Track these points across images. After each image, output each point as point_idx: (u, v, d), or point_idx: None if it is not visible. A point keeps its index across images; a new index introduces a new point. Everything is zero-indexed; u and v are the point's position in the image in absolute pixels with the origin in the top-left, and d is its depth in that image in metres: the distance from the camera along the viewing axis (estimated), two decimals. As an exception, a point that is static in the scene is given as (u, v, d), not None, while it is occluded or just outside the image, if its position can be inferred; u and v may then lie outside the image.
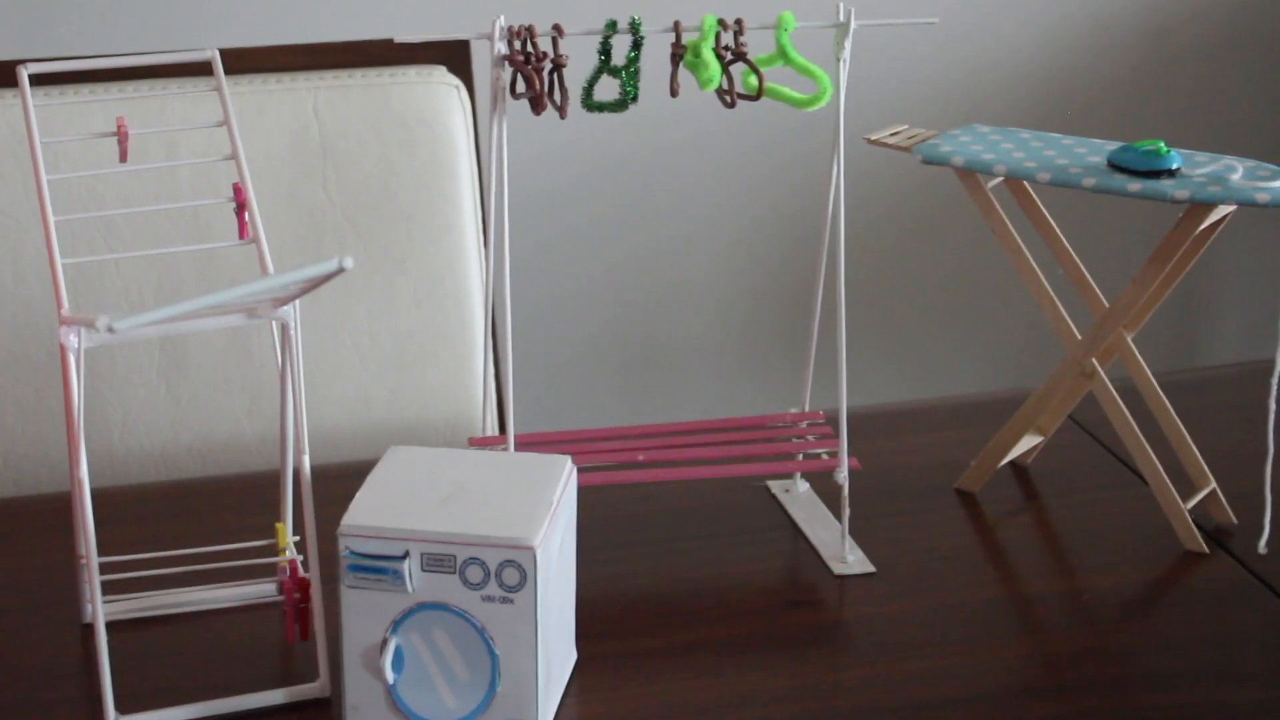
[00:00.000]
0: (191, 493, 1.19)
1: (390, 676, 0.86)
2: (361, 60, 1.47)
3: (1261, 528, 1.07)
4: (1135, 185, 1.01)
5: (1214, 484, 1.11)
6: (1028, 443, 1.17)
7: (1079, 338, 1.10)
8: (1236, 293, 2.25)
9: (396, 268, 1.43)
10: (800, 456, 1.10)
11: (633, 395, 2.11)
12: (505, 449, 1.05)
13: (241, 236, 0.94)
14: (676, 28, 0.99)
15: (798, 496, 1.14)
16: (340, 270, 0.79)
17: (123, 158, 0.96)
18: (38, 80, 0.95)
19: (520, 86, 0.98)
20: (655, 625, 1.00)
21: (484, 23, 0.97)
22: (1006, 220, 1.08)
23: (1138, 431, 1.08)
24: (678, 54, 0.99)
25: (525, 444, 1.06)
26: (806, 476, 1.15)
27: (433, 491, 0.87)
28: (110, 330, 0.76)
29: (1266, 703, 0.95)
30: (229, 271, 1.36)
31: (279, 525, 0.99)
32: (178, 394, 1.37)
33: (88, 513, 0.88)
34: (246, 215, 0.94)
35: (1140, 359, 1.10)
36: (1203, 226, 1.04)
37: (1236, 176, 1.01)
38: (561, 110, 0.98)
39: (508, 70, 0.98)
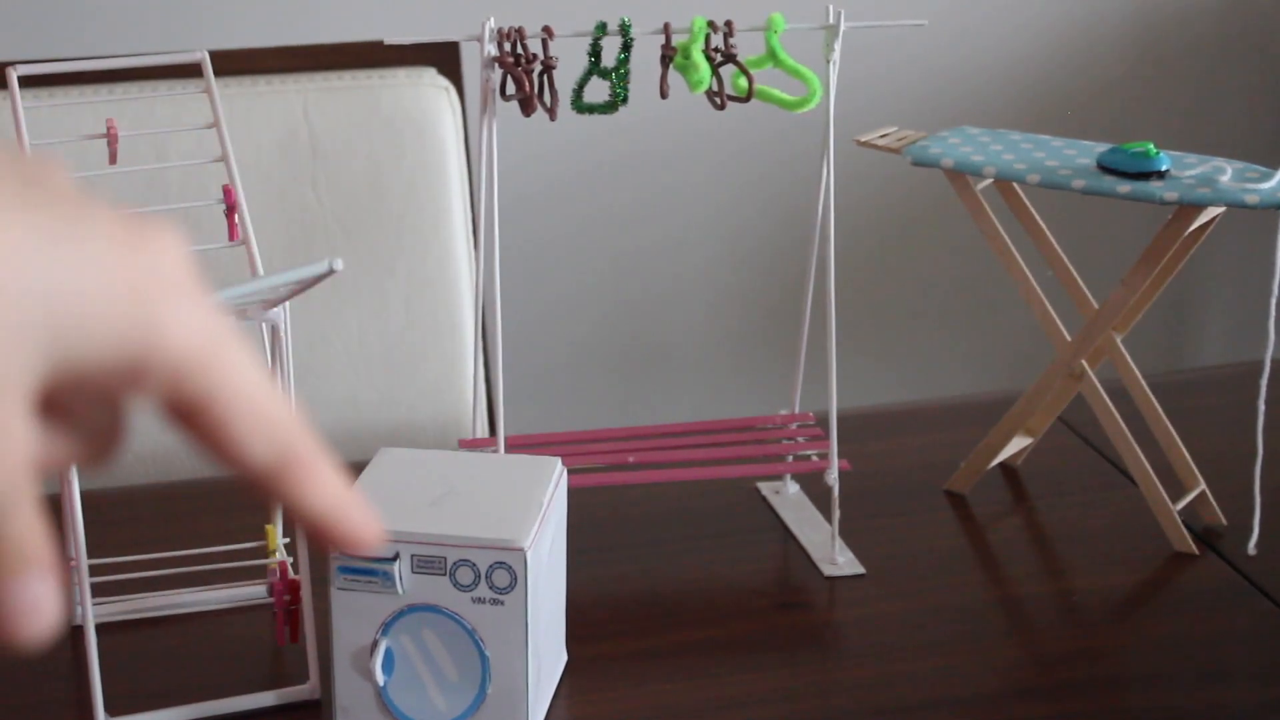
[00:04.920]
0: (181, 495, 1.19)
1: (380, 678, 0.86)
2: (351, 62, 1.47)
3: (1251, 529, 1.07)
4: (1124, 187, 1.01)
5: (1203, 485, 1.11)
6: (1017, 444, 1.17)
7: (1068, 339, 1.10)
8: (1225, 294, 2.25)
9: (386, 270, 1.43)
10: (790, 458, 1.10)
11: (623, 397, 2.11)
12: (495, 451, 1.05)
13: (231, 238, 0.94)
14: (666, 29, 0.99)
15: (788, 498, 1.14)
16: (330, 272, 0.79)
17: (112, 160, 0.96)
18: (27, 82, 0.95)
19: (510, 88, 0.98)
20: (645, 627, 1.00)
21: (474, 24, 0.97)
22: (996, 222, 1.08)
23: (1127, 433, 1.09)
24: (667, 56, 0.99)
25: (515, 446, 1.06)
26: (796, 478, 1.15)
27: (423, 493, 0.87)
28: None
29: (1256, 703, 0.95)
30: (218, 273, 1.35)
31: (269, 527, 0.99)
32: (167, 396, 1.37)
33: (77, 514, 0.87)
34: (236, 217, 0.94)
35: (1130, 360, 1.10)
36: (1192, 228, 1.04)
37: (1225, 178, 1.01)
38: (551, 112, 0.98)
39: (497, 72, 0.98)
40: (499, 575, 0.84)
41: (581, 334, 2.07)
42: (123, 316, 0.36)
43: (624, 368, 2.11)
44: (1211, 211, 1.04)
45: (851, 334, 2.08)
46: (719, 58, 0.99)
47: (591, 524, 1.08)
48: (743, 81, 0.99)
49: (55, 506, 0.95)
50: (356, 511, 0.41)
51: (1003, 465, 1.18)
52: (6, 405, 0.34)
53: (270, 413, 0.39)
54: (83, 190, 0.37)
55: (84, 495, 0.88)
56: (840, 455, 1.06)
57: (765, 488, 1.15)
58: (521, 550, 0.84)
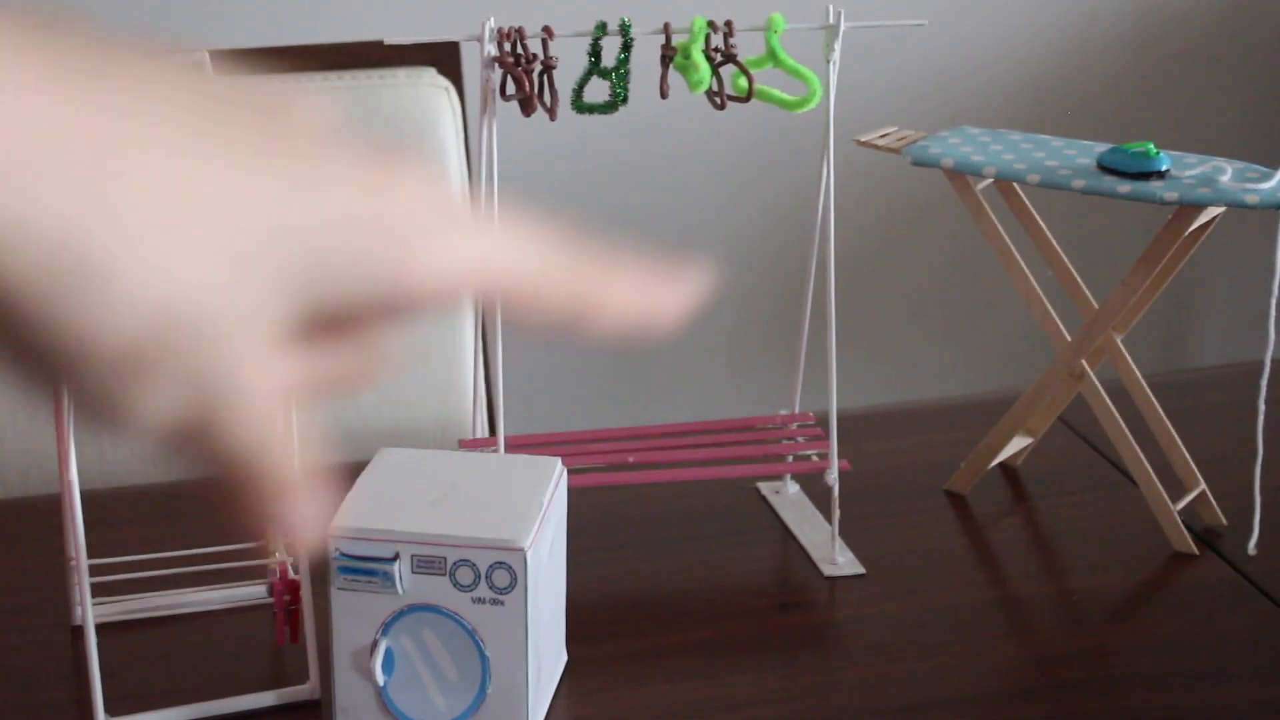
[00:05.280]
0: (181, 494, 1.19)
1: (380, 678, 0.86)
2: (351, 62, 1.47)
3: (1251, 529, 1.07)
4: (1124, 187, 1.01)
5: (1203, 485, 1.11)
6: (1017, 444, 1.17)
7: (1068, 339, 1.10)
8: (1225, 294, 2.25)
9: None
10: (790, 458, 1.10)
11: (623, 396, 2.11)
12: (495, 451, 1.05)
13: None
14: (666, 29, 0.99)
15: (788, 498, 1.14)
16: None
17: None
18: (27, 82, 0.95)
19: (510, 88, 0.98)
20: (645, 627, 1.00)
21: (473, 24, 0.97)
22: (996, 222, 1.08)
23: (1127, 433, 1.09)
24: (668, 56, 0.99)
25: (515, 445, 1.06)
26: (796, 478, 1.15)
27: (423, 493, 0.87)
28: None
29: (1256, 703, 0.95)
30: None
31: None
32: (167, 396, 1.37)
33: (77, 515, 0.87)
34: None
35: (1129, 360, 1.10)
36: (1192, 228, 1.04)
37: (1225, 178, 1.01)
38: (551, 112, 0.98)
39: (497, 72, 0.98)
40: (499, 575, 0.84)
41: (581, 334, 2.07)
42: (373, 255, 0.37)
43: (624, 367, 2.11)
44: (1211, 211, 1.04)
45: (851, 334, 2.08)
46: (719, 58, 0.99)
47: (591, 524, 1.08)
48: (743, 81, 0.99)
49: (55, 506, 0.95)
50: (661, 292, 0.43)
51: (1003, 465, 1.18)
52: (258, 343, 0.36)
53: (540, 298, 0.41)
54: (331, 126, 0.38)
55: (84, 495, 0.88)
56: (840, 455, 1.06)
57: (765, 488, 1.15)
58: (521, 550, 0.83)
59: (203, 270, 0.35)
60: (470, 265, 0.40)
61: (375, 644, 0.85)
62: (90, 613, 0.87)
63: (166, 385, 0.35)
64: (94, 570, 0.94)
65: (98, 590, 0.97)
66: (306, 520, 0.39)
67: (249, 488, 0.38)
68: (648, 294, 0.43)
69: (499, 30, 0.97)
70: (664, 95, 0.98)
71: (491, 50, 0.97)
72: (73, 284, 0.33)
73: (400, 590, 0.85)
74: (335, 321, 0.39)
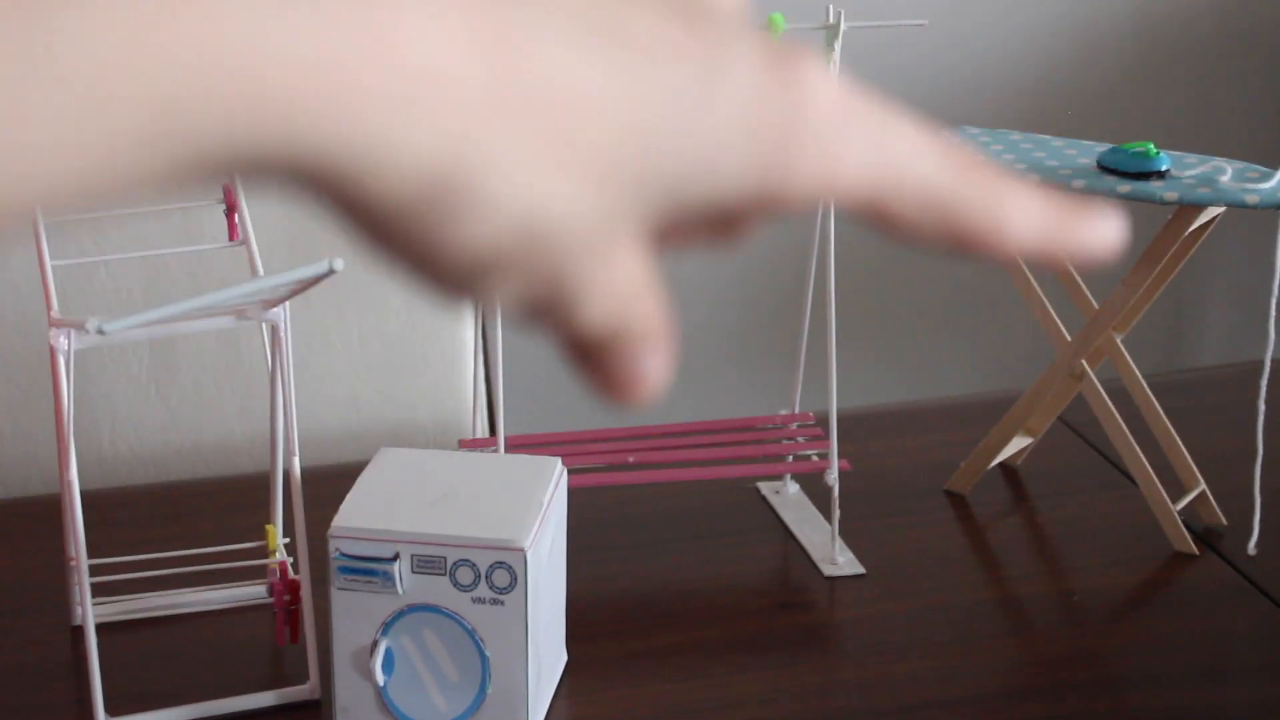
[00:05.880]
0: (181, 495, 1.19)
1: (380, 678, 0.86)
2: None
3: (1251, 529, 1.07)
4: (1124, 187, 1.01)
5: (1203, 485, 1.11)
6: (1018, 444, 1.17)
7: (1068, 339, 1.10)
8: (1226, 294, 2.25)
9: (386, 270, 1.43)
10: (790, 458, 1.10)
11: (623, 397, 2.11)
12: (495, 451, 1.05)
13: (231, 238, 0.94)
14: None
15: (788, 498, 1.14)
16: (330, 272, 0.79)
17: (112, 159, 0.96)
18: (27, 82, 0.95)
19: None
20: (645, 627, 1.00)
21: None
22: (996, 222, 1.08)
23: (1127, 433, 1.09)
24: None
25: (515, 446, 1.06)
26: (796, 478, 1.15)
27: (423, 493, 0.87)
28: (100, 332, 0.76)
29: (1256, 703, 0.95)
30: (219, 273, 1.36)
31: (269, 527, 0.99)
32: (167, 396, 1.37)
33: (77, 515, 0.87)
34: (236, 217, 0.94)
35: (1130, 360, 1.10)
36: (1192, 228, 1.04)
37: (1225, 178, 1.01)
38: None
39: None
40: (499, 575, 0.84)
41: (581, 334, 2.07)
42: (754, 162, 0.36)
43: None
44: (1211, 211, 1.04)
45: (851, 334, 2.08)
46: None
47: (591, 524, 1.08)
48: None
49: (55, 507, 0.95)
50: (1073, 223, 0.40)
51: (1003, 465, 1.18)
52: (628, 238, 0.36)
53: (933, 209, 0.39)
54: (734, 12, 0.36)
55: (84, 495, 0.88)
56: (840, 455, 1.06)
57: (765, 488, 1.15)
58: (521, 550, 0.83)
59: (571, 182, 0.34)
60: (863, 171, 0.38)
61: (375, 644, 0.85)
62: (90, 613, 0.87)
63: (523, 281, 0.35)
64: (94, 570, 0.94)
65: (98, 590, 0.97)
66: (646, 375, 0.39)
67: (603, 352, 0.38)
68: (1058, 222, 0.39)
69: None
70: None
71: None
72: (444, 202, 0.33)
73: (400, 590, 0.85)
74: (702, 219, 0.38)
